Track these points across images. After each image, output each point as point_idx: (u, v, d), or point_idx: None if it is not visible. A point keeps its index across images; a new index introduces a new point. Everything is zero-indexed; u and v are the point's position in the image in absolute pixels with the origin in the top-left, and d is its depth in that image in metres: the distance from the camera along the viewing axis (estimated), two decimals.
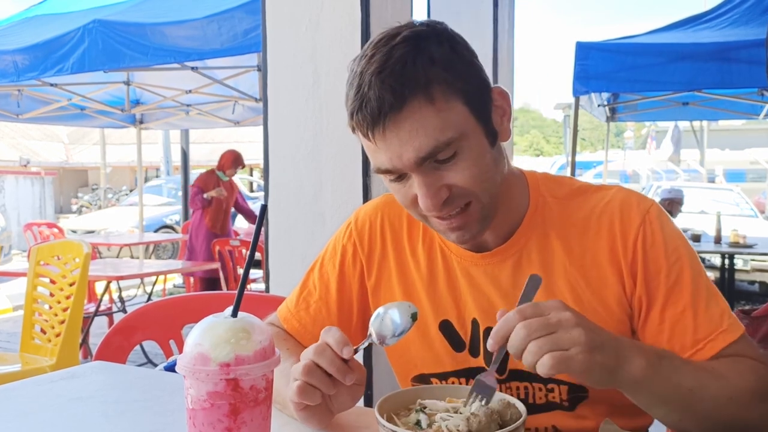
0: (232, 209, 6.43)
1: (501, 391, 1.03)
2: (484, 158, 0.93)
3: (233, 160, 6.21)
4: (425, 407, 0.85)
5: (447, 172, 0.90)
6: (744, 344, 0.94)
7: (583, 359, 0.75)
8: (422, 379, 1.10)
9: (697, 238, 5.65)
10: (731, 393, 0.87)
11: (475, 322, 1.05)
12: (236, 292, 0.77)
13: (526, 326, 0.76)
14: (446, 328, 1.07)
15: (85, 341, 4.35)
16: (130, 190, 17.47)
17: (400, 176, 0.93)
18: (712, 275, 6.18)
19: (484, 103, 0.93)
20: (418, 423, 0.82)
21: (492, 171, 0.95)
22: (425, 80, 0.87)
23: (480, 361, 1.05)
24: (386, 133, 0.88)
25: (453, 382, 1.07)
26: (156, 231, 11.01)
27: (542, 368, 0.75)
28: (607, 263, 0.98)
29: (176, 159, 11.76)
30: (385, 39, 0.90)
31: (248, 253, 0.80)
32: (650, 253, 0.97)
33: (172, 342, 1.51)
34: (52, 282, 2.98)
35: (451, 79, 0.89)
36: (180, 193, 9.97)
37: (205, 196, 6.02)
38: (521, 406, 0.81)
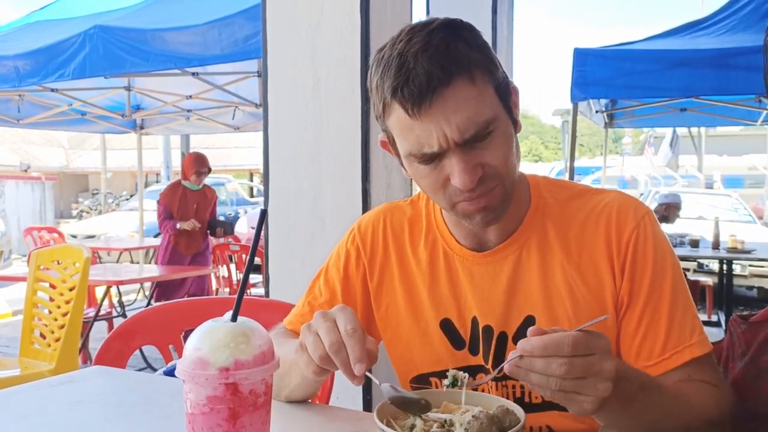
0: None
1: (498, 389, 1.05)
2: (511, 142, 0.97)
3: (193, 163, 5.40)
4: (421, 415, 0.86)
5: (482, 151, 0.93)
6: (707, 363, 0.98)
7: (586, 409, 0.77)
8: (421, 379, 1.11)
9: (695, 244, 5.65)
10: (690, 422, 0.90)
11: (474, 320, 1.07)
12: (236, 296, 0.78)
13: (568, 365, 0.74)
14: (447, 326, 1.08)
15: (84, 346, 4.34)
16: (131, 195, 17.47)
17: (431, 159, 0.94)
18: (710, 281, 6.17)
19: (507, 93, 0.97)
20: (412, 427, 0.83)
21: (515, 156, 0.99)
22: (468, 61, 0.90)
23: (479, 359, 1.07)
24: (432, 107, 0.89)
25: None
26: (156, 236, 10.94)
27: (539, 391, 0.77)
28: (603, 261, 1.01)
29: (176, 164, 11.77)
30: (421, 25, 0.93)
31: (248, 257, 0.80)
32: (639, 257, 1.00)
33: (171, 347, 1.51)
34: (52, 287, 2.98)
35: (486, 64, 0.93)
36: None
37: (178, 226, 5.30)
38: (520, 412, 0.81)
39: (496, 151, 0.94)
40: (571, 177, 5.26)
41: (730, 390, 1.00)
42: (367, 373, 0.83)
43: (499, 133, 0.94)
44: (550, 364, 0.74)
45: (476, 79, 0.91)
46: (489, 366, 1.05)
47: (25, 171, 18.37)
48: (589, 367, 0.75)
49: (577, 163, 5.97)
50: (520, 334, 1.03)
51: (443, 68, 0.88)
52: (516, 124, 1.00)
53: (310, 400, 1.12)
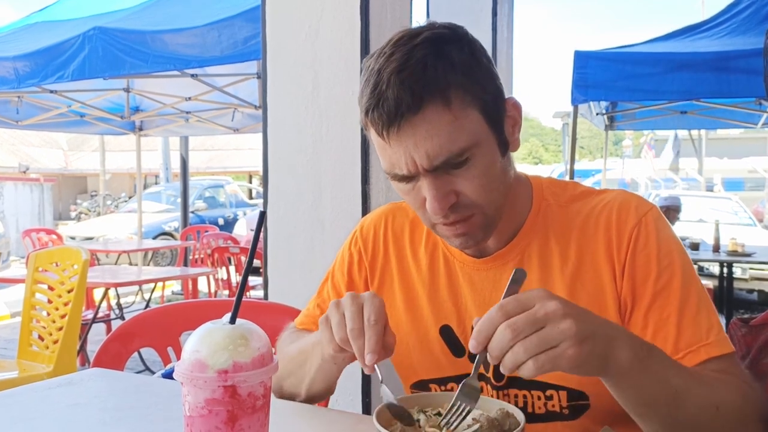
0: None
1: (499, 398, 1.03)
2: (494, 167, 0.93)
3: None
4: (426, 411, 0.86)
5: (457, 178, 0.91)
6: (729, 363, 0.91)
7: (572, 354, 0.71)
8: (421, 385, 1.10)
9: (695, 247, 5.65)
10: (718, 403, 0.83)
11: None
12: (234, 298, 0.77)
13: (512, 326, 0.71)
14: (446, 333, 1.07)
15: (82, 348, 4.34)
16: (129, 197, 17.46)
17: (408, 178, 0.92)
18: (710, 284, 6.16)
19: (498, 112, 0.93)
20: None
21: (500, 181, 0.95)
22: (444, 84, 0.86)
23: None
24: (400, 134, 0.87)
25: (452, 387, 1.07)
26: (155, 238, 11.00)
27: (526, 372, 0.71)
28: (603, 264, 0.98)
29: (175, 166, 11.77)
30: (406, 38, 0.89)
31: (247, 259, 0.80)
32: (641, 255, 0.96)
33: (170, 349, 1.50)
34: (51, 288, 2.97)
35: (469, 85, 0.89)
36: (179, 200, 9.97)
37: None
38: (520, 416, 0.81)
39: (472, 180, 0.91)
40: (571, 179, 5.27)
41: (759, 389, 0.91)
42: (376, 366, 0.84)
43: (478, 162, 0.90)
44: (499, 340, 0.72)
45: (453, 103, 0.87)
46: (489, 374, 1.03)
47: (24, 172, 18.37)
48: (533, 316, 0.72)
49: (577, 166, 5.96)
50: None
51: (414, 94, 0.85)
52: (509, 144, 0.96)
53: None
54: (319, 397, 1.08)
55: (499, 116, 0.94)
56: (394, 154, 0.90)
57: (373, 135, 0.92)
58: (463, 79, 0.88)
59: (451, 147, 0.87)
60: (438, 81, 0.86)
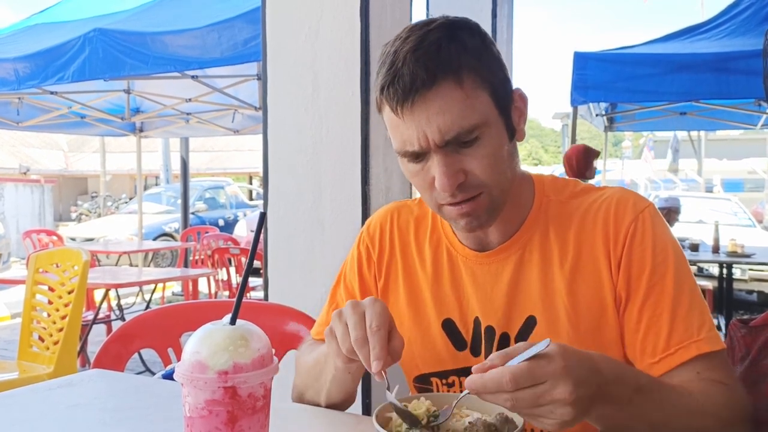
0: None
1: None
2: (501, 150, 0.96)
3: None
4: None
5: (466, 156, 0.93)
6: (718, 361, 0.93)
7: (553, 429, 0.75)
8: (423, 379, 1.11)
9: (695, 248, 5.65)
10: (698, 426, 0.86)
11: (477, 321, 1.07)
12: (235, 299, 0.77)
13: (513, 400, 0.73)
14: (449, 326, 1.08)
15: (83, 349, 4.34)
16: (130, 198, 17.47)
17: (419, 157, 0.94)
18: (710, 285, 6.16)
19: (506, 99, 0.97)
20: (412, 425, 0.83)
21: (506, 165, 0.98)
22: (457, 65, 0.91)
23: (481, 360, 1.05)
24: (414, 108, 0.90)
25: (453, 381, 1.08)
26: (155, 239, 11.00)
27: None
28: (601, 258, 1.00)
29: (176, 167, 11.78)
30: (421, 24, 0.94)
31: (247, 260, 0.80)
32: (637, 250, 0.98)
33: (170, 350, 1.50)
34: (51, 290, 2.97)
35: (480, 68, 0.93)
36: (179, 201, 9.97)
37: None
38: (519, 421, 0.81)
39: (482, 159, 0.93)
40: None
41: (743, 390, 0.95)
42: (383, 372, 0.84)
43: (487, 141, 0.93)
44: (496, 398, 0.74)
45: (464, 82, 0.91)
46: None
47: (25, 174, 18.37)
48: (538, 397, 0.73)
49: None
50: (522, 335, 1.03)
51: (428, 70, 0.89)
52: (515, 132, 0.99)
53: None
54: (340, 406, 1.08)
55: (507, 103, 0.97)
56: (407, 130, 0.92)
57: (387, 113, 0.95)
58: (475, 62, 0.92)
59: (462, 123, 0.90)
60: (451, 61, 0.90)
